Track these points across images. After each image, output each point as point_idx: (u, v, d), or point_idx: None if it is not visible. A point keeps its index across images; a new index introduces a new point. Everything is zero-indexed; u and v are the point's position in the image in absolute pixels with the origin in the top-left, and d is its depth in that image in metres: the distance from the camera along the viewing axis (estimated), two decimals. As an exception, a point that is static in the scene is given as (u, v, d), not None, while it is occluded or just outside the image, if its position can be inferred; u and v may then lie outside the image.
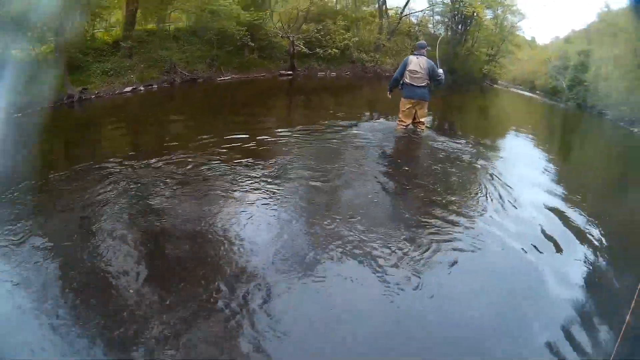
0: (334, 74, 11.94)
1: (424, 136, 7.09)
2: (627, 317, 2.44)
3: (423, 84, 6.64)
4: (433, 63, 6.64)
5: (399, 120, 6.90)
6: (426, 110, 7.02)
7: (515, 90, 29.70)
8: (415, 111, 6.87)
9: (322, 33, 10.95)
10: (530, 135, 13.41)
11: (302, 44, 10.21)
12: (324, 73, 11.60)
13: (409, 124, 6.93)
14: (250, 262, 2.56)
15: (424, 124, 7.02)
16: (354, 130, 6.79)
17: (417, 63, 6.58)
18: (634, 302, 2.56)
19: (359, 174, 4.47)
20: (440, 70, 6.81)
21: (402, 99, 6.82)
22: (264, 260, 2.58)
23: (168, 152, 3.97)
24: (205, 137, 4.75)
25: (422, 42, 6.87)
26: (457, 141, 7.60)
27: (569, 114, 26.45)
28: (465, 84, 23.08)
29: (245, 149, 4.58)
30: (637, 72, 20.89)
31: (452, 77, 21.72)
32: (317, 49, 10.78)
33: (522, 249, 3.38)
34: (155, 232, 2.81)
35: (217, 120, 5.71)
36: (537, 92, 33.96)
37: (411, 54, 6.79)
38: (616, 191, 9.05)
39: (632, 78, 21.33)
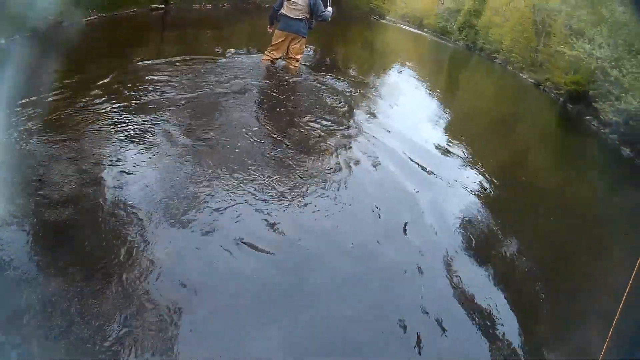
0: (209, 6, 12.00)
1: (296, 73, 7.18)
2: None
3: (300, 17, 6.63)
4: None
5: (267, 52, 6.95)
6: (302, 47, 7.06)
7: (402, 26, 31.56)
8: (289, 46, 6.90)
9: None
10: (415, 71, 14.95)
11: None
12: (199, 5, 11.65)
13: (278, 58, 7.01)
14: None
15: (298, 62, 7.09)
16: (225, 66, 6.81)
17: None
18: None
19: (223, 112, 5.07)
20: (330, 9, 6.81)
21: (276, 31, 6.84)
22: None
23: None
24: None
25: None
26: (336, 78, 7.92)
27: (457, 53, 28.96)
28: (351, 17, 24.24)
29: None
30: (530, 24, 23.62)
31: (337, 8, 22.86)
32: (192, -20, 10.85)
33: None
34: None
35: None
36: (425, 30, 36.25)
37: None
38: (498, 134, 10.91)
39: (524, 30, 24.12)
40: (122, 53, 6.80)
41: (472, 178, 5.89)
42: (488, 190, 5.61)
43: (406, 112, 8.29)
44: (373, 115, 6.83)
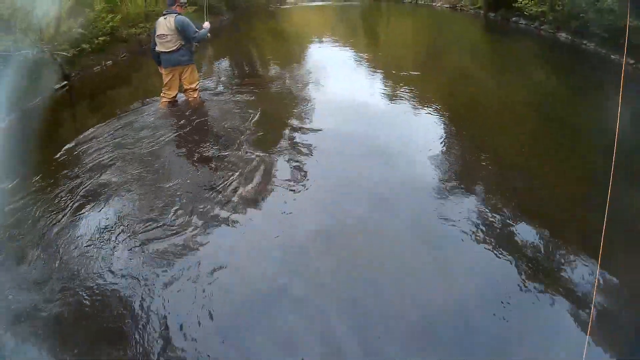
0: (109, 62, 11.80)
1: (198, 104, 7.04)
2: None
3: (174, 48, 6.44)
4: (184, 19, 6.36)
5: (162, 94, 6.80)
6: (194, 75, 6.88)
7: (305, 3, 31.56)
8: (180, 79, 6.75)
9: (81, 27, 10.53)
10: (331, 41, 15.22)
11: (67, 46, 9.82)
12: (99, 66, 11.39)
13: (175, 95, 6.83)
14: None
15: (195, 91, 6.94)
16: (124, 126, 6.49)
17: (164, 25, 6.37)
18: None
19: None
20: (205, 25, 6.70)
21: (162, 70, 6.66)
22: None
23: None
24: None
25: None
26: (241, 93, 7.93)
27: (366, 6, 29.30)
28: (251, 15, 24.14)
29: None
30: None
31: (233, 13, 22.74)
32: (83, 45, 10.56)
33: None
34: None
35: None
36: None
37: (161, 16, 6.51)
38: (436, 60, 11.23)
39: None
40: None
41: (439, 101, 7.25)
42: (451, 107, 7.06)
43: (339, 85, 8.49)
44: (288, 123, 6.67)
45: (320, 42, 15.16)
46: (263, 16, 24.55)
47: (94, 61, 11.33)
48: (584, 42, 10.94)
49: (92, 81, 10.71)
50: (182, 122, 6.52)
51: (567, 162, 5.31)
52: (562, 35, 12.07)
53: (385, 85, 8.35)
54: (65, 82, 9.81)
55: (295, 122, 6.51)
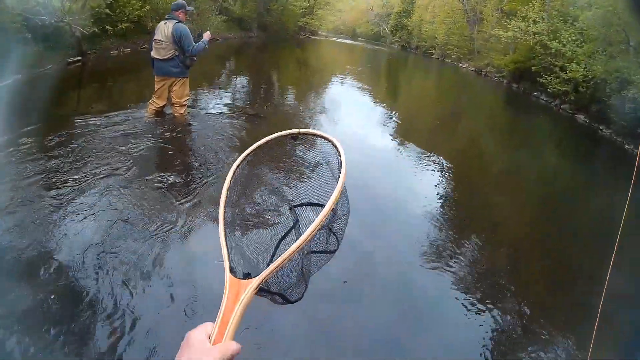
0: (128, 50, 11.76)
1: (183, 122, 6.32)
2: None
3: (168, 56, 5.92)
4: (183, 28, 5.80)
5: (150, 102, 6.26)
6: (185, 90, 6.27)
7: (335, 39, 32.10)
8: (169, 91, 6.21)
9: (109, 8, 10.30)
10: (357, 80, 15.09)
11: (90, 23, 9.51)
12: (117, 51, 11.37)
13: (162, 106, 6.29)
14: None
15: (183, 107, 6.33)
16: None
17: (162, 30, 5.83)
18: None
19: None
20: (205, 37, 6.15)
21: (155, 76, 6.14)
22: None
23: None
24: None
25: (179, 1, 5.97)
26: (238, 124, 6.80)
27: (393, 56, 29.61)
28: (280, 39, 24.44)
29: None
30: (461, 15, 24.57)
31: (264, 33, 23.12)
32: (107, 26, 10.41)
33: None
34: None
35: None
36: (360, 38, 37.45)
37: (163, 19, 5.97)
38: (453, 125, 10.93)
39: (456, 21, 25.05)
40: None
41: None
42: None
43: (351, 128, 8.14)
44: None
45: (342, 81, 14.98)
46: (292, 42, 24.83)
47: (113, 45, 11.35)
48: (601, 127, 10.88)
49: (105, 64, 10.65)
50: (140, 149, 5.10)
51: (561, 248, 4.89)
52: (580, 117, 12.06)
53: (396, 144, 7.80)
54: (80, 57, 9.76)
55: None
